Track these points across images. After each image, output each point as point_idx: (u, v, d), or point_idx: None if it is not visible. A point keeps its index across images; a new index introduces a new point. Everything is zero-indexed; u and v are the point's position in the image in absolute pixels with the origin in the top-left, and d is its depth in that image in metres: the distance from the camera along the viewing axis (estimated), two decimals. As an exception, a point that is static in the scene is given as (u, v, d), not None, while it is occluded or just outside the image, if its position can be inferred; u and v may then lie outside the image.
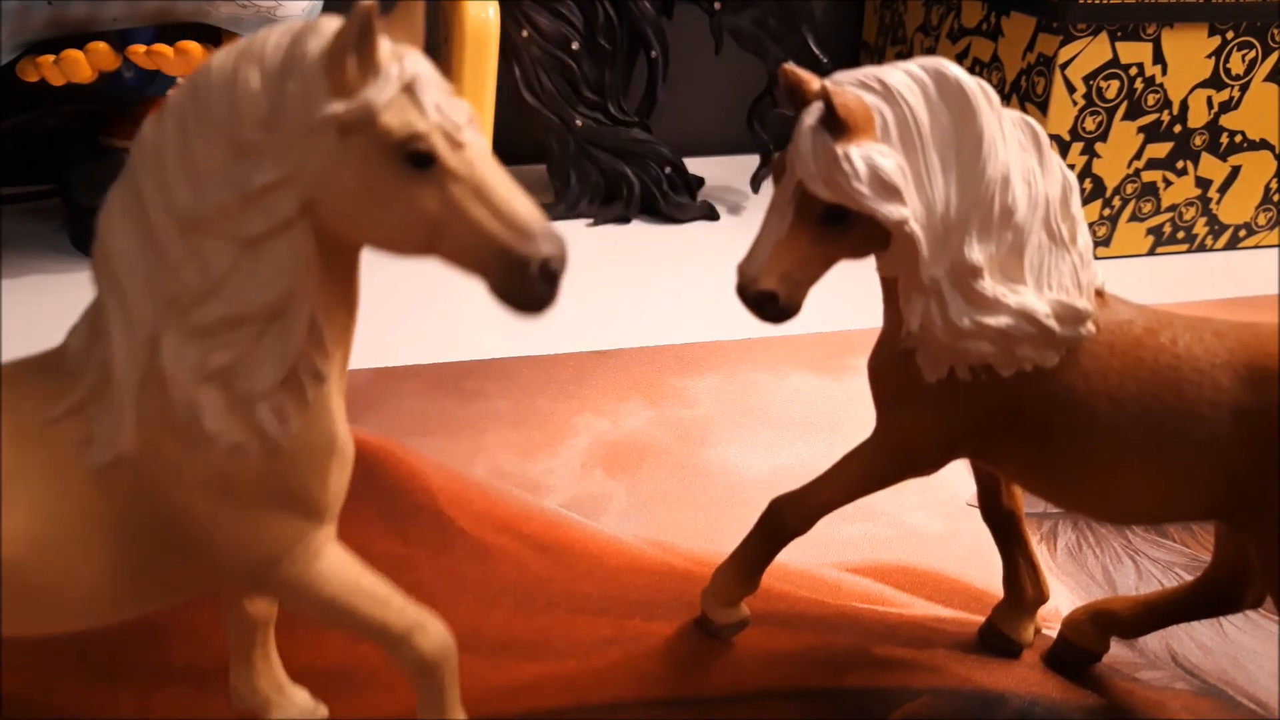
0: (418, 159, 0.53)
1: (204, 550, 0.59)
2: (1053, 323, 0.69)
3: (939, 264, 0.68)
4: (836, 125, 0.65)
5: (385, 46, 0.54)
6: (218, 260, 0.54)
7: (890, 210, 0.66)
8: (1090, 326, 0.70)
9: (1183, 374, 0.69)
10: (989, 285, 0.68)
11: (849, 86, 0.66)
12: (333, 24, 0.53)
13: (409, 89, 0.53)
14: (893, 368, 0.76)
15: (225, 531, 0.59)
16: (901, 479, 0.79)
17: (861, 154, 0.65)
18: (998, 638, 0.89)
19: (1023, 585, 0.87)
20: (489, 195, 0.54)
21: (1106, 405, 0.70)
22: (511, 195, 0.54)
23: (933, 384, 0.73)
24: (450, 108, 0.54)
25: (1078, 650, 0.87)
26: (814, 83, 0.68)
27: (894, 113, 0.66)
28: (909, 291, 0.70)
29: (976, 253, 0.68)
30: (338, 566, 0.63)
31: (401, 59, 0.54)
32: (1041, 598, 0.87)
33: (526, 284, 0.54)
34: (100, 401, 0.56)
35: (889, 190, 0.65)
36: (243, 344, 0.55)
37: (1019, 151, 0.68)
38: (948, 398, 0.73)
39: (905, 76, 0.66)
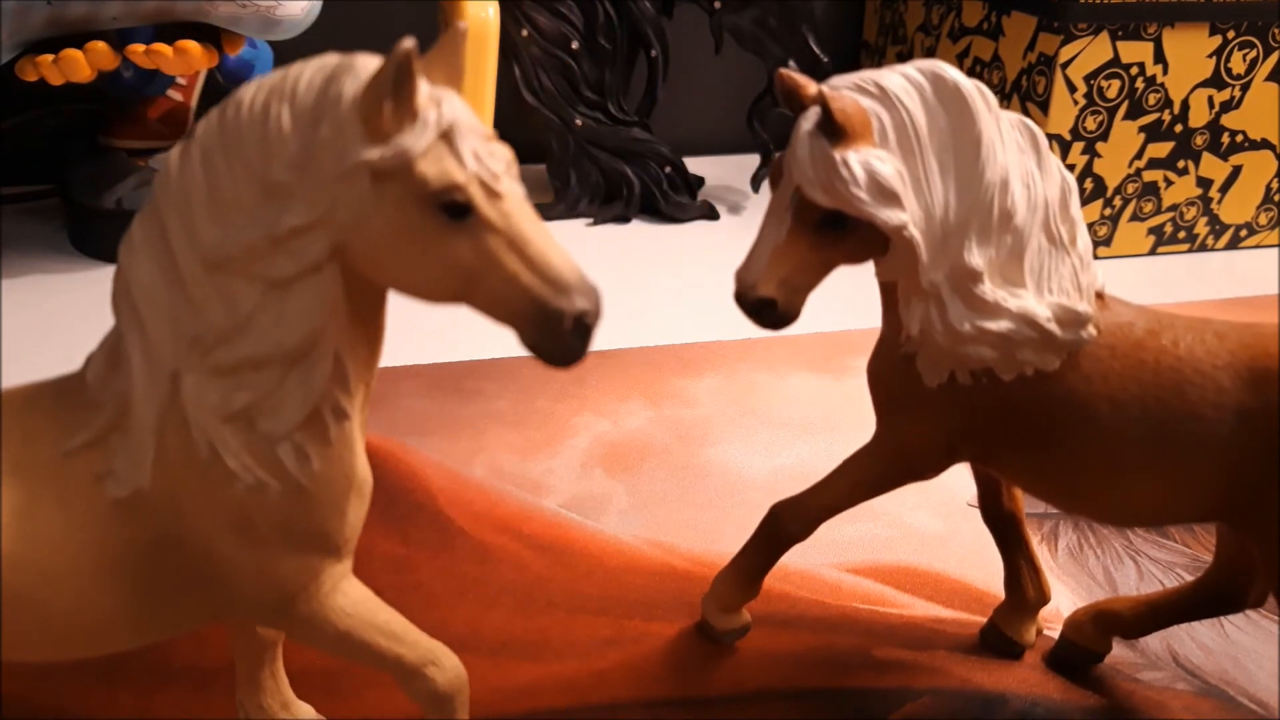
0: (454, 209, 0.51)
1: (221, 585, 0.59)
2: (1054, 326, 0.69)
3: (938, 268, 0.68)
4: (834, 130, 0.64)
5: (423, 89, 0.52)
6: (244, 300, 0.53)
7: (889, 216, 0.65)
8: (1091, 330, 0.70)
9: (1185, 376, 0.68)
10: (989, 289, 0.68)
11: (846, 91, 0.66)
12: (369, 64, 0.52)
13: (446, 136, 0.51)
14: (892, 372, 0.75)
15: (243, 568, 0.58)
16: (902, 484, 0.79)
17: (860, 159, 0.64)
18: (999, 639, 0.88)
19: (1024, 586, 0.87)
20: (525, 247, 0.52)
21: (1108, 408, 0.69)
22: (548, 247, 0.53)
23: (933, 388, 0.73)
24: (488, 155, 0.53)
25: (1080, 651, 0.86)
26: (810, 87, 0.67)
27: (892, 117, 0.65)
28: (908, 296, 0.70)
29: (976, 257, 0.67)
30: (354, 602, 0.62)
31: (440, 104, 0.52)
32: (1043, 599, 0.87)
33: (559, 338, 0.53)
34: (119, 435, 0.55)
35: (888, 196, 0.65)
36: (266, 385, 0.54)
37: (1017, 154, 0.68)
38: (948, 402, 0.73)
39: (903, 80, 0.66)
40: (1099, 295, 0.72)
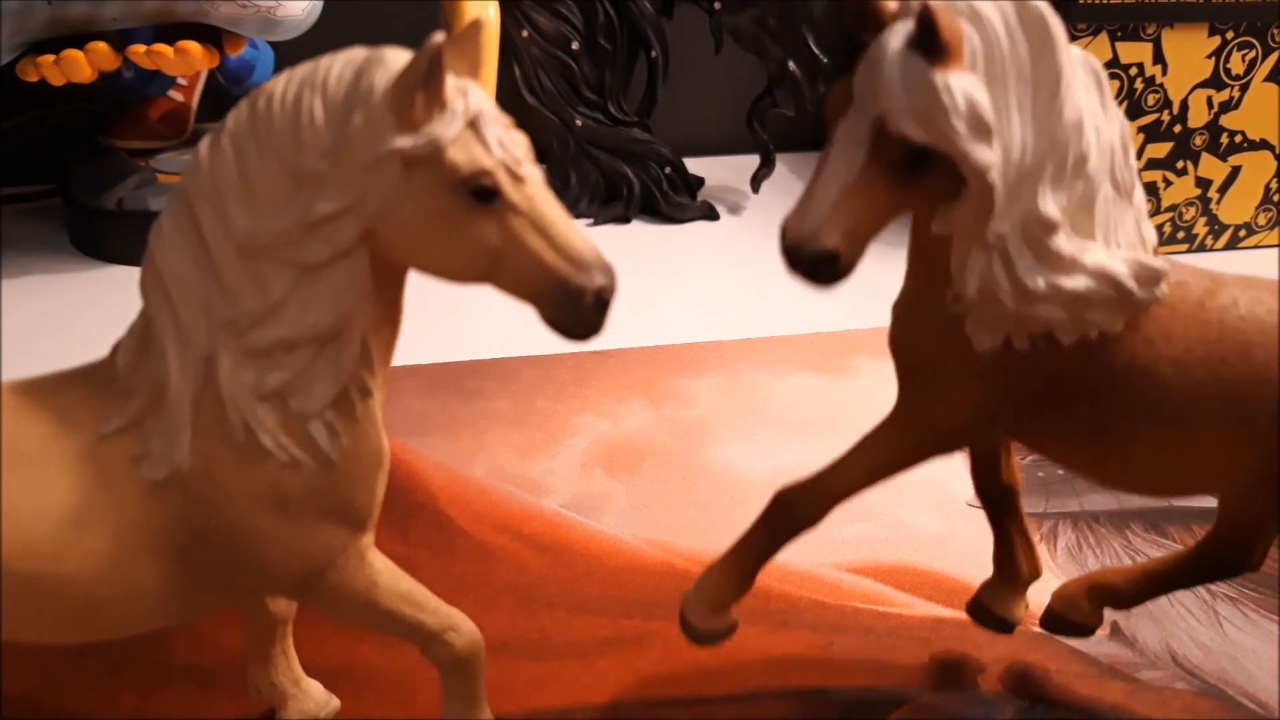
0: (481, 193, 0.54)
1: (255, 561, 0.60)
2: (1132, 284, 0.63)
3: (1008, 218, 0.61)
4: (937, 49, 0.56)
5: (449, 81, 0.54)
6: (276, 285, 0.55)
7: (982, 154, 0.58)
8: (1164, 288, 0.65)
9: (1249, 336, 0.65)
10: (1064, 242, 0.61)
11: (941, 6, 0.57)
12: (398, 57, 0.54)
13: (473, 124, 0.54)
14: (929, 336, 0.69)
15: (278, 543, 0.60)
16: (929, 458, 0.72)
17: (961, 86, 0.56)
18: (987, 616, 0.86)
19: (1017, 561, 0.84)
20: (547, 228, 0.55)
21: (1173, 371, 0.65)
22: (568, 228, 0.56)
23: (983, 355, 0.66)
24: (510, 142, 0.55)
25: (1068, 624, 0.82)
26: (891, 1, 0.59)
27: (981, 38, 0.58)
28: (967, 249, 0.63)
29: (1051, 205, 0.60)
30: (378, 571, 0.65)
31: (465, 94, 0.55)
32: (1035, 574, 0.85)
33: (581, 313, 0.56)
34: (154, 418, 0.57)
35: (984, 131, 0.57)
36: (299, 365, 0.57)
37: (1085, 92, 0.62)
38: (997, 368, 0.66)
39: (989, 2, 0.58)
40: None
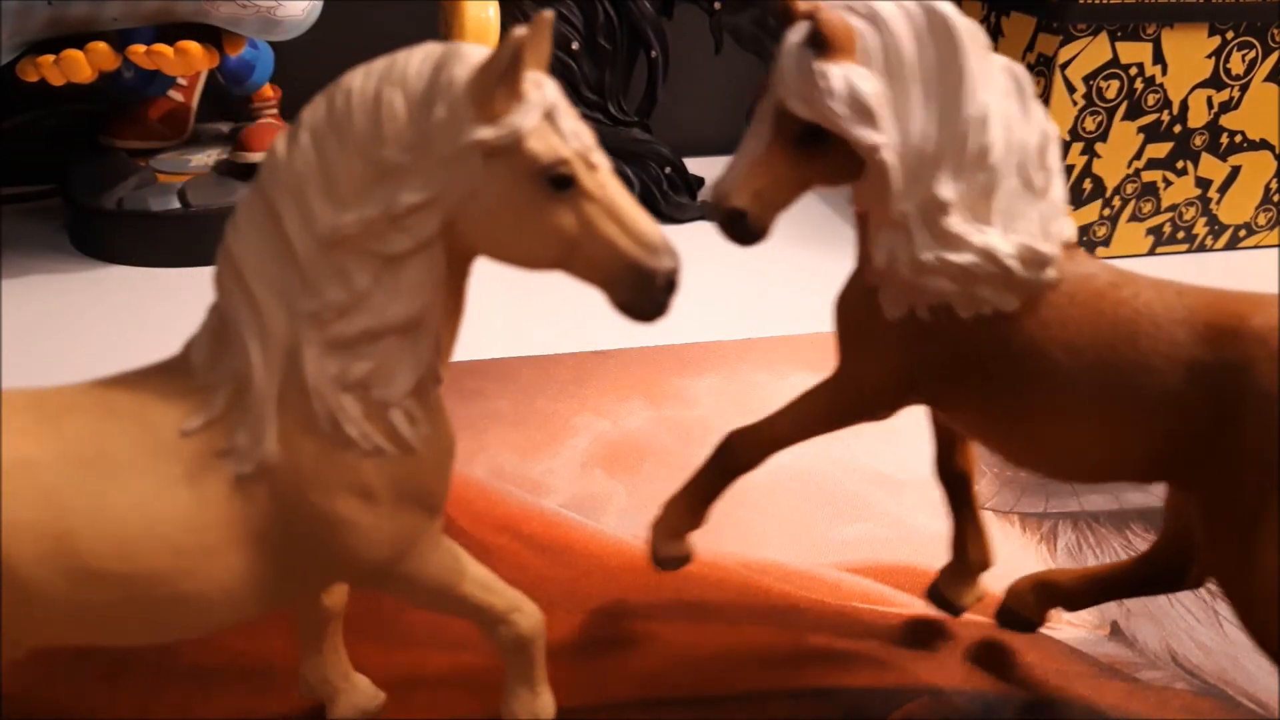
0: (559, 181, 0.56)
1: (340, 550, 0.61)
2: (1014, 263, 0.68)
3: (910, 198, 0.68)
4: (819, 43, 0.65)
5: (526, 73, 0.56)
6: (360, 276, 0.56)
7: (865, 134, 0.66)
8: (1052, 273, 0.69)
9: (1140, 326, 0.68)
10: (956, 222, 0.68)
11: (839, 10, 0.67)
12: (476, 51, 0.56)
13: (549, 115, 0.56)
14: (856, 305, 0.75)
15: (362, 531, 0.61)
16: (857, 420, 0.78)
17: (841, 73, 0.65)
18: (940, 598, 0.90)
19: (967, 549, 0.88)
20: (619, 214, 0.57)
21: (1063, 354, 0.69)
22: (637, 213, 0.57)
23: (893, 323, 0.72)
24: (582, 131, 0.57)
25: (1019, 619, 0.88)
26: (803, 4, 0.68)
27: (879, 39, 0.66)
28: (878, 226, 0.70)
29: (947, 189, 0.67)
30: (449, 556, 0.67)
31: (541, 85, 0.56)
32: (985, 563, 0.88)
33: (652, 295, 0.57)
34: (239, 413, 0.58)
35: (865, 113, 0.65)
36: (381, 355, 0.58)
37: (1001, 95, 0.68)
38: (906, 337, 0.72)
39: (896, 8, 0.67)
40: (1067, 246, 0.71)
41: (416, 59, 0.56)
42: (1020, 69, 0.70)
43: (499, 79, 0.54)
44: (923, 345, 0.72)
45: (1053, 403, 0.70)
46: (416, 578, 0.65)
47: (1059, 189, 0.71)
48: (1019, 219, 0.69)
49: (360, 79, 0.56)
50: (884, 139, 0.66)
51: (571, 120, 0.57)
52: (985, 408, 0.73)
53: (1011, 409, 0.72)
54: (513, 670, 0.71)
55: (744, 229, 0.68)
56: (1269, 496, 0.65)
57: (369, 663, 0.81)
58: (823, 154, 0.68)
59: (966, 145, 0.67)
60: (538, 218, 0.56)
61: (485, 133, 0.54)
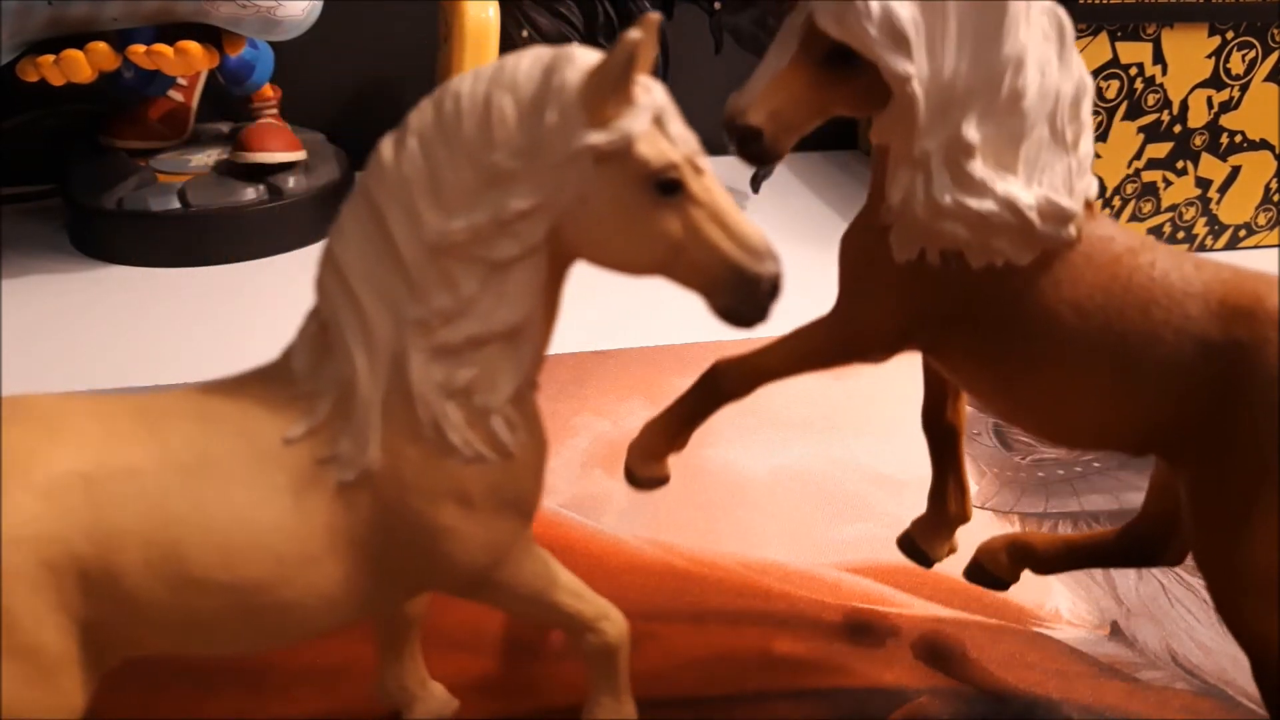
0: (667, 186, 0.55)
1: (439, 557, 0.61)
2: (1034, 216, 0.66)
3: (934, 136, 0.65)
4: None
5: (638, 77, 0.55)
6: (467, 282, 0.56)
7: (895, 62, 0.63)
8: (1072, 230, 0.67)
9: (1154, 296, 0.66)
10: (979, 167, 0.66)
11: None
12: (587, 54, 0.55)
13: (658, 119, 0.56)
14: (863, 243, 0.73)
15: (462, 538, 0.60)
16: (849, 361, 0.76)
17: None
18: (912, 548, 0.90)
19: (947, 501, 0.87)
20: (724, 218, 0.57)
21: (1071, 314, 0.67)
22: (741, 217, 0.57)
23: (900, 265, 0.70)
24: (689, 136, 0.57)
25: (987, 576, 0.87)
26: None
27: None
28: (898, 163, 0.68)
29: (974, 131, 0.65)
30: (542, 563, 0.66)
31: (650, 89, 0.56)
32: (963, 516, 0.87)
33: (757, 300, 0.57)
34: (342, 420, 0.57)
35: (898, 40, 0.63)
36: (485, 361, 0.58)
37: (1040, 38, 0.65)
38: (912, 281, 0.71)
39: None
40: (1089, 204, 0.69)
41: (526, 62, 0.56)
42: (1063, 12, 0.67)
43: (613, 83, 0.53)
44: (928, 291, 0.70)
45: (1054, 363, 0.68)
46: (511, 585, 0.65)
47: (1088, 143, 0.68)
48: (1044, 170, 0.67)
49: (469, 83, 0.56)
50: (915, 70, 0.63)
51: (679, 124, 0.57)
52: (984, 361, 0.72)
53: (1011, 365, 0.70)
54: (597, 678, 0.71)
55: (758, 149, 0.65)
56: (1262, 485, 0.64)
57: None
58: (848, 78, 0.65)
59: (1000, 87, 0.64)
60: (644, 222, 0.56)
61: (597, 137, 0.54)
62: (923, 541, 0.89)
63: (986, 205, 0.66)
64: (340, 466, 0.57)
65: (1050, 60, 0.66)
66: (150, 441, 0.55)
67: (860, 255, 0.74)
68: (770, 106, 0.65)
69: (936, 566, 0.98)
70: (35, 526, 0.51)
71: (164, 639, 0.57)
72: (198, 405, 0.57)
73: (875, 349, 0.75)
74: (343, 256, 0.58)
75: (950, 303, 0.70)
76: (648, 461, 0.83)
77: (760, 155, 0.66)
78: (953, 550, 0.89)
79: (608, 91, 0.54)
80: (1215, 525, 0.67)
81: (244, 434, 0.56)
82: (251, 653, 0.61)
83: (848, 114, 0.68)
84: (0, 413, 0.54)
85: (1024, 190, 0.66)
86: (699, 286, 0.58)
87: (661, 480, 0.84)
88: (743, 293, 0.57)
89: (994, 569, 0.86)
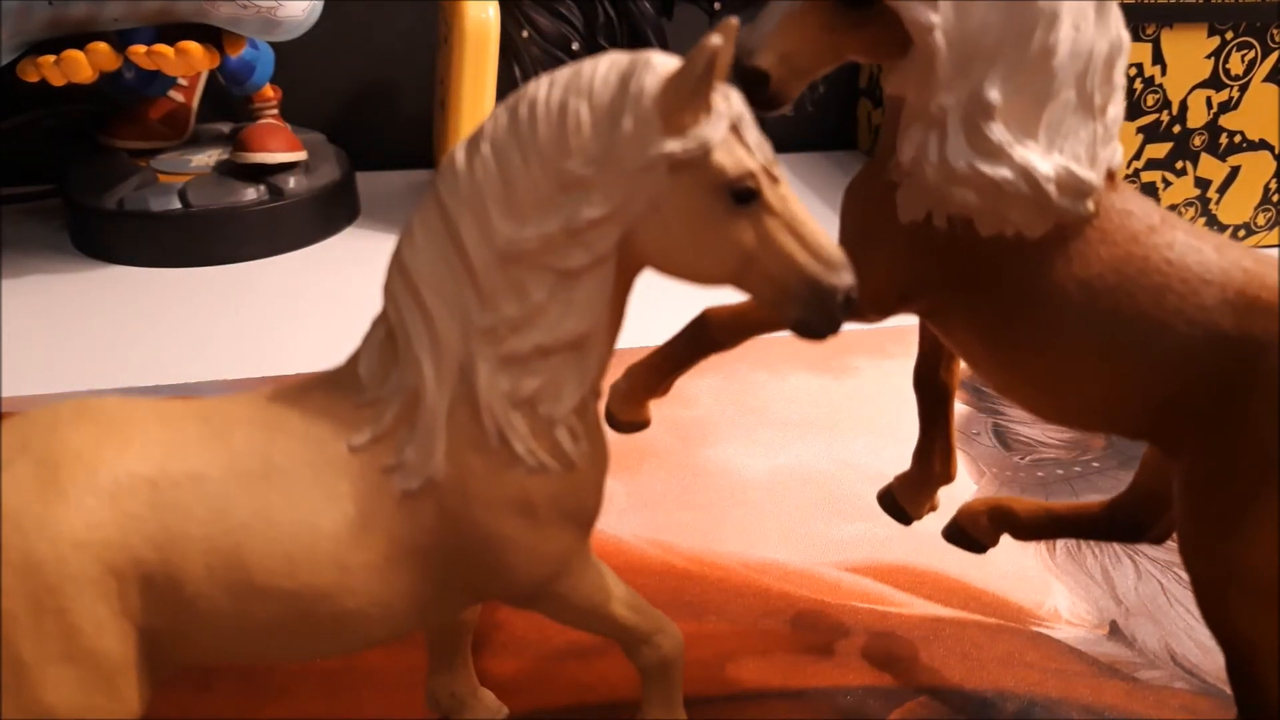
0: (743, 195, 0.54)
1: (501, 567, 0.60)
2: (1051, 188, 0.62)
3: (953, 92, 0.61)
4: None
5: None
6: (536, 291, 0.56)
7: (918, 10, 0.59)
8: (1090, 205, 0.64)
9: (1168, 281, 0.63)
10: (998, 130, 0.61)
11: None
12: (665, 61, 0.54)
13: (735, 127, 0.54)
14: (868, 199, 0.70)
15: (524, 548, 0.60)
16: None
17: None
18: (892, 505, 0.89)
19: (932, 460, 0.85)
20: (800, 229, 0.55)
21: (1080, 293, 0.64)
22: (817, 228, 0.56)
23: (905, 226, 0.67)
24: (765, 144, 0.56)
25: (966, 538, 0.86)
26: None
27: None
28: (912, 118, 0.64)
29: (996, 90, 0.61)
30: (600, 575, 0.66)
31: (728, 97, 0.55)
32: (947, 476, 0.86)
33: (830, 312, 0.56)
34: (408, 428, 0.57)
35: None
36: (551, 370, 0.57)
37: None
38: (916, 244, 0.67)
39: None
40: (1110, 174, 0.65)
41: (603, 68, 0.55)
42: None
43: (691, 91, 0.52)
44: (932, 255, 0.67)
45: (1056, 341, 0.66)
46: (569, 596, 0.64)
47: (1117, 108, 0.64)
48: (1067, 137, 0.63)
49: (545, 89, 0.55)
50: (939, 19, 0.59)
51: (755, 132, 0.55)
52: (983, 333, 0.69)
53: (1011, 338, 0.68)
54: (652, 691, 0.70)
55: (765, 95, 0.61)
56: (1261, 487, 0.63)
57: (370, 667, 0.81)
58: (866, 22, 0.61)
59: (1030, 42, 0.60)
60: (719, 231, 0.55)
61: (674, 145, 0.53)
62: (903, 499, 0.88)
63: (1001, 172, 0.62)
64: (405, 475, 0.56)
65: (1087, 15, 0.61)
66: (216, 447, 0.55)
67: (863, 210, 0.71)
68: (781, 49, 0.61)
69: (936, 566, 0.98)
70: (100, 531, 0.51)
71: (224, 647, 0.56)
72: (263, 411, 0.57)
73: (870, 309, 0.71)
74: (412, 263, 0.57)
75: (954, 270, 0.67)
76: (629, 404, 0.81)
77: (767, 101, 0.62)
78: (933, 509, 0.89)
79: (685, 99, 0.52)
80: (1208, 520, 0.66)
81: (309, 441, 0.56)
82: (308, 660, 0.60)
83: (862, 60, 0.65)
84: (66, 415, 0.54)
85: (1043, 159, 0.62)
86: (771, 297, 0.56)
87: (642, 424, 0.82)
88: (816, 305, 0.55)
89: (973, 531, 0.85)
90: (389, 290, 0.58)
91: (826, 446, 1.16)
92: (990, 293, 0.67)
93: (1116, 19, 0.62)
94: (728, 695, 0.83)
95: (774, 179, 0.55)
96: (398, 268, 0.58)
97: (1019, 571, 0.98)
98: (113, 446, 0.53)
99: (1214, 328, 0.63)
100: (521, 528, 0.59)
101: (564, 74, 0.55)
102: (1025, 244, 0.65)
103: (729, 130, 0.54)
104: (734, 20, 0.54)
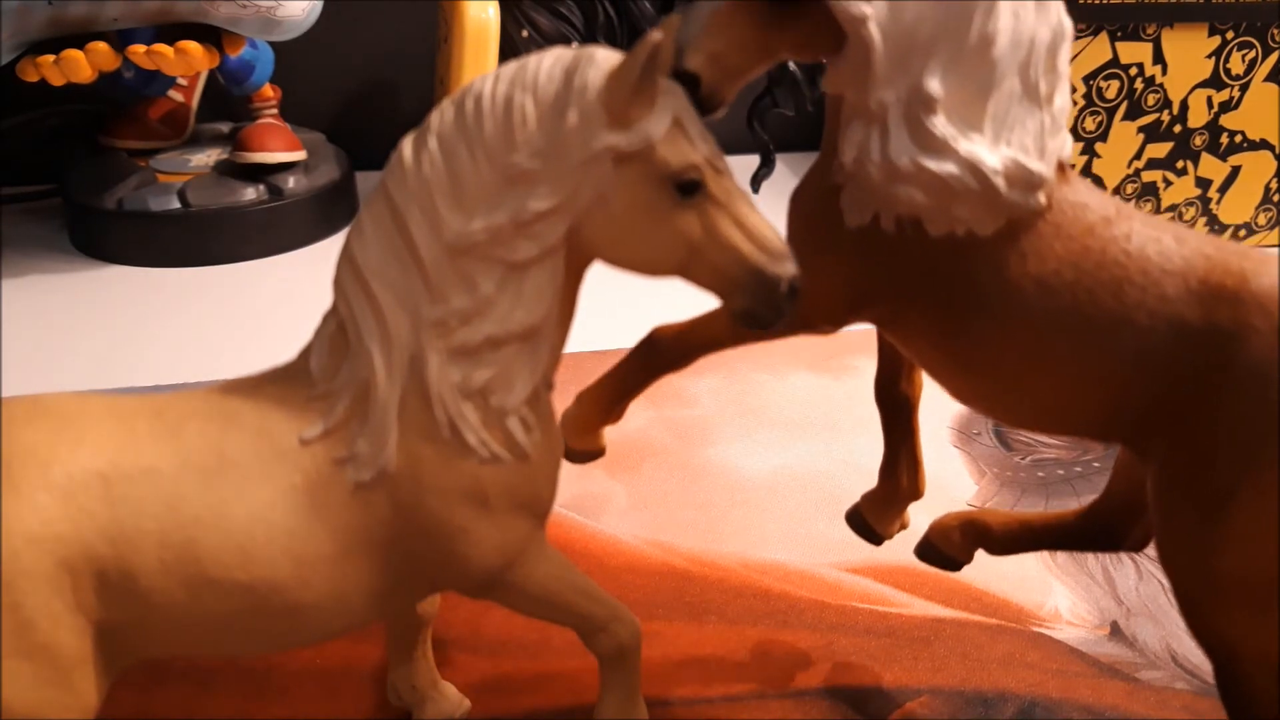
0: (687, 187, 0.55)
1: (455, 557, 0.61)
2: (1000, 181, 0.60)
3: (892, 87, 0.59)
4: None
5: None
6: (485, 283, 0.56)
7: (850, 4, 0.58)
8: (1041, 198, 0.61)
9: (1128, 274, 0.61)
10: (941, 123, 0.59)
11: None
12: (608, 55, 0.55)
13: (678, 121, 0.55)
14: (812, 203, 0.68)
15: (478, 538, 0.60)
16: (795, 333, 0.71)
17: None
18: (860, 524, 0.88)
19: (899, 475, 0.84)
20: (744, 220, 0.57)
21: (1036, 291, 0.62)
22: (760, 219, 0.57)
23: (851, 230, 0.65)
24: (709, 137, 0.57)
25: (939, 555, 0.84)
26: None
27: None
28: (851, 116, 0.62)
29: (937, 83, 0.59)
30: (554, 563, 0.66)
31: (670, 91, 0.56)
32: (915, 492, 0.85)
33: (775, 301, 0.57)
34: (359, 420, 0.57)
35: None
36: (502, 362, 0.58)
37: None
38: (864, 248, 0.65)
39: None
40: (1061, 166, 0.63)
41: (547, 63, 0.56)
42: None
43: (634, 85, 0.53)
44: (881, 260, 0.65)
45: (1014, 342, 0.63)
46: (524, 585, 0.65)
47: (1064, 97, 0.62)
48: (1014, 128, 0.61)
49: (490, 84, 0.56)
50: (872, 9, 0.58)
51: (698, 125, 0.56)
52: (939, 337, 0.67)
53: (968, 342, 0.65)
54: (609, 679, 0.71)
55: (695, 99, 0.58)
56: (1239, 485, 0.60)
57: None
58: (798, 17, 0.59)
59: (969, 32, 0.58)
60: (664, 223, 0.56)
61: (618, 138, 0.54)
62: (872, 517, 0.87)
63: (947, 168, 0.60)
64: (357, 467, 0.57)
65: (1025, 3, 0.59)
66: (168, 442, 0.55)
67: (809, 217, 0.69)
68: (710, 49, 0.58)
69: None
70: (54, 527, 0.51)
71: (180, 640, 0.57)
72: (216, 405, 0.57)
73: (821, 320, 0.69)
74: (361, 256, 0.58)
75: (905, 274, 0.65)
76: (583, 434, 0.80)
77: (698, 105, 0.59)
78: (904, 526, 0.87)
79: (629, 93, 0.53)
80: (1184, 523, 0.63)
81: (261, 434, 0.57)
82: (265, 654, 0.61)
83: (796, 59, 0.63)
84: (20, 412, 0.54)
85: (989, 151, 0.60)
86: (717, 288, 0.57)
87: (596, 453, 0.81)
88: (761, 294, 0.56)
89: (946, 547, 0.84)
90: (339, 283, 0.59)
91: (826, 446, 1.16)
92: (944, 296, 0.65)
93: (1058, 6, 0.61)
94: (728, 695, 0.83)
95: (718, 171, 0.56)
96: (347, 261, 0.58)
97: (1020, 572, 0.98)
98: (66, 443, 0.53)
99: (1178, 319, 0.60)
100: (475, 518, 0.60)
101: (509, 69, 0.56)
102: (977, 243, 0.63)
103: (673, 123, 0.55)
104: (676, 17, 0.54)
